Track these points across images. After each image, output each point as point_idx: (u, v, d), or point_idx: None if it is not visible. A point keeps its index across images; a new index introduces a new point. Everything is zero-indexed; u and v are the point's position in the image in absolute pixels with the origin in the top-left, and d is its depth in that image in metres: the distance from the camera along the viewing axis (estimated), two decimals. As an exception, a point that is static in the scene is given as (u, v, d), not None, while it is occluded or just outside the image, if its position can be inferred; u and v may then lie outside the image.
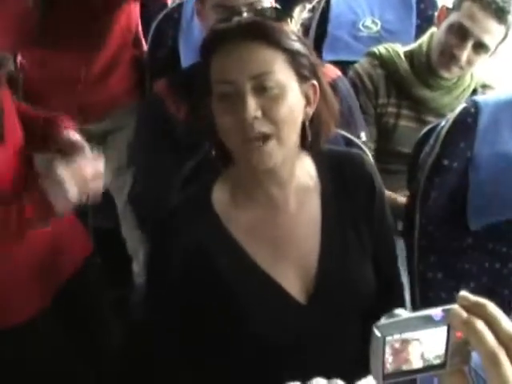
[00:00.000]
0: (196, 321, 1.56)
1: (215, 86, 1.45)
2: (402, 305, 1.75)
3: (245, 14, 1.50)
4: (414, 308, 1.95)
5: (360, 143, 1.90)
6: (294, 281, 1.55)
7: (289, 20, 2.55)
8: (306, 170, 1.60)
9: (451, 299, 1.80)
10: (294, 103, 1.46)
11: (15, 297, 1.89)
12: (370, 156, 1.80)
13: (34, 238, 1.86)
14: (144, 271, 1.72)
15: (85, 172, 1.81)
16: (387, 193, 1.84)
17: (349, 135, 1.88)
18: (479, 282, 1.97)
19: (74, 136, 1.94)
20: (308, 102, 1.51)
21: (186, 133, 2.06)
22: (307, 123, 1.52)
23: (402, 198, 2.33)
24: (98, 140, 2.61)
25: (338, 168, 1.61)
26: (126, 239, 2.69)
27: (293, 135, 1.49)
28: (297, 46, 1.48)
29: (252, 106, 1.40)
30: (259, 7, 1.96)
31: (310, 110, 1.52)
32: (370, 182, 1.62)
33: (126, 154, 2.62)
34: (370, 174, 1.63)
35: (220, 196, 1.57)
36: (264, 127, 1.42)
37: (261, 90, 1.42)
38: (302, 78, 1.49)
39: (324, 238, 1.58)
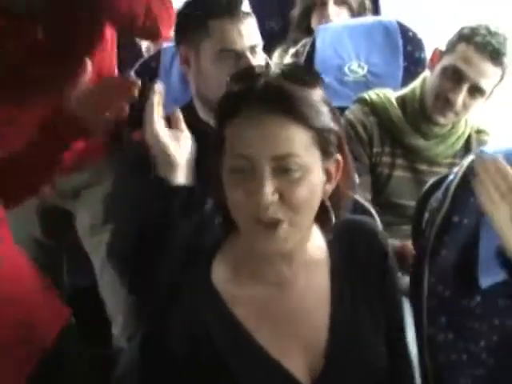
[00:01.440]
0: None
1: (230, 157, 1.33)
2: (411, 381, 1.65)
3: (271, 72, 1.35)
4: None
5: (367, 206, 1.83)
6: (299, 361, 1.45)
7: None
8: (315, 242, 1.50)
9: (461, 361, 1.72)
10: (316, 184, 1.34)
11: None
12: (377, 219, 1.71)
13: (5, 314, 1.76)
14: (138, 351, 1.59)
15: None
16: None
17: (356, 196, 1.80)
18: (490, 341, 1.89)
19: None
20: (329, 179, 1.39)
21: None
22: (326, 201, 1.41)
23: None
24: (71, 195, 2.53)
25: (349, 238, 1.52)
26: (105, 300, 2.56)
27: (309, 217, 1.38)
28: (326, 121, 1.34)
29: (270, 190, 1.28)
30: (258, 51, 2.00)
31: (330, 187, 1.40)
32: (383, 255, 1.53)
33: (101, 210, 2.50)
34: (382, 246, 1.53)
35: (221, 273, 1.46)
36: (279, 213, 1.30)
37: (282, 172, 1.30)
38: (327, 155, 1.36)
39: (333, 314, 1.47)
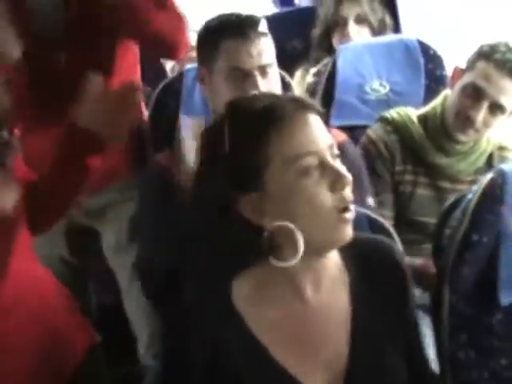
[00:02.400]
0: None
1: (294, 161, 1.36)
2: None
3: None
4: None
5: (386, 225, 1.82)
6: (320, 381, 1.44)
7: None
8: (335, 259, 1.50)
9: (482, 379, 1.71)
10: None
11: None
12: (395, 237, 1.71)
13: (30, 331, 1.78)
14: (160, 365, 1.60)
15: None
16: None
17: (371, 214, 1.80)
18: (511, 359, 1.88)
19: None
20: None
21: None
22: None
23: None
24: (97, 214, 2.56)
25: (366, 257, 1.52)
26: (130, 319, 2.58)
27: None
28: None
29: (345, 173, 1.37)
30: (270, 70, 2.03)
31: None
32: (400, 273, 1.54)
33: (127, 229, 2.52)
34: (400, 265, 1.54)
35: (242, 290, 1.47)
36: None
37: (334, 158, 1.39)
38: None
39: (355, 333, 1.47)
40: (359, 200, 1.95)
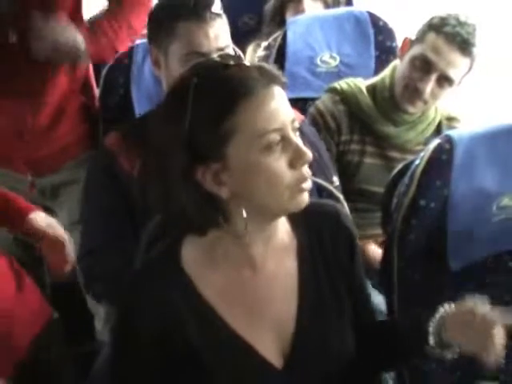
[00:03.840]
0: None
1: (259, 137, 1.34)
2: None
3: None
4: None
5: (332, 189, 1.82)
6: (270, 344, 1.46)
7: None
8: (284, 225, 1.51)
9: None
10: None
11: None
12: (344, 204, 1.72)
13: None
14: (109, 339, 1.60)
15: None
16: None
17: (320, 181, 1.80)
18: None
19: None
20: None
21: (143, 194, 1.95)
22: None
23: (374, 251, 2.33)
24: (51, 194, 2.56)
25: (313, 222, 1.53)
26: (86, 295, 2.57)
27: None
28: None
29: (306, 150, 1.36)
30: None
31: None
32: (347, 236, 1.55)
33: (78, 208, 2.47)
34: (348, 228, 1.55)
35: (191, 253, 1.46)
36: None
37: (295, 132, 1.38)
38: None
39: (301, 298, 1.49)
40: (325, 180, 1.96)
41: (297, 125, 1.38)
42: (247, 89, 1.33)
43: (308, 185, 1.38)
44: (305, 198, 1.39)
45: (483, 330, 1.41)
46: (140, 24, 2.46)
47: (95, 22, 2.47)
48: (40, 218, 2.05)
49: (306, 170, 1.37)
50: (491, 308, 1.42)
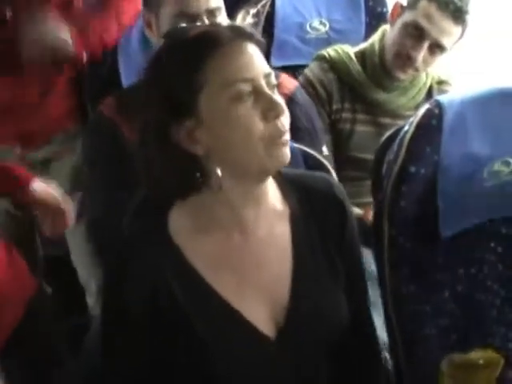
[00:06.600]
0: (159, 363, 1.44)
1: (227, 86, 1.35)
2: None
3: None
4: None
5: (321, 158, 1.81)
6: (262, 313, 1.45)
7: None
8: (275, 192, 1.50)
9: (425, 312, 1.72)
10: None
11: None
12: (333, 173, 1.70)
13: None
14: (100, 311, 1.58)
15: None
16: None
17: (307, 149, 1.79)
18: (454, 291, 1.88)
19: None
20: None
21: None
22: None
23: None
24: (41, 167, 2.56)
25: (305, 192, 1.53)
26: (77, 269, 2.56)
27: None
28: None
29: (280, 101, 1.37)
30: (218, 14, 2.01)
31: None
32: (339, 206, 1.55)
33: (70, 179, 2.54)
34: (339, 198, 1.55)
35: (179, 221, 1.46)
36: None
37: (271, 88, 1.39)
38: None
39: (295, 264, 1.48)
40: (314, 149, 1.94)
41: (273, 81, 1.38)
42: (216, 41, 1.36)
43: (285, 139, 1.38)
44: (283, 153, 1.38)
45: None
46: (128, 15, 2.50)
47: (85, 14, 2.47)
48: (41, 187, 2.11)
49: (281, 123, 1.37)
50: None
